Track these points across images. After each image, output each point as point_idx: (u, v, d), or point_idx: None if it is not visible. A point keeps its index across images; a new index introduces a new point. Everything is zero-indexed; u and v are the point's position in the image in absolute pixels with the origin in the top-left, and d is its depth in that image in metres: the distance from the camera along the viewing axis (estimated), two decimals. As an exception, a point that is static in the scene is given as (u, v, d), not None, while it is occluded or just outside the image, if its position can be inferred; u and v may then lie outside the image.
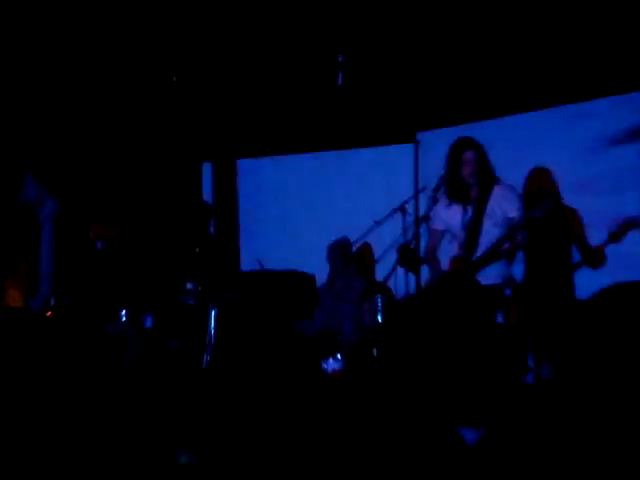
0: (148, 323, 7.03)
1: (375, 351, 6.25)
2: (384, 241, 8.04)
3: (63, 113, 8.88)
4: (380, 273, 8.10)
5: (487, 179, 5.98)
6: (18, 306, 7.36)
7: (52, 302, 6.55)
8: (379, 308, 7.02)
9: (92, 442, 3.92)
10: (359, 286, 7.60)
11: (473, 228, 5.95)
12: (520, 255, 6.60)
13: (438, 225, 6.23)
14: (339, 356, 6.12)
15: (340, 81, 8.11)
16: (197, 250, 9.11)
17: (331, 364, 5.83)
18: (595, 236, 7.05)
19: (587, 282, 6.69)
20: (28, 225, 7.97)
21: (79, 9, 7.39)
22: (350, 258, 7.83)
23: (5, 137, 8.53)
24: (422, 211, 7.37)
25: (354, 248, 7.95)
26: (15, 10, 7.11)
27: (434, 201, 6.17)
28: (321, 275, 8.07)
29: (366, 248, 8.43)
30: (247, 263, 9.60)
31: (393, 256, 7.46)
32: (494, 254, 5.80)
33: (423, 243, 7.01)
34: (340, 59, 8.11)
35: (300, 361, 5.58)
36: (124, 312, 6.81)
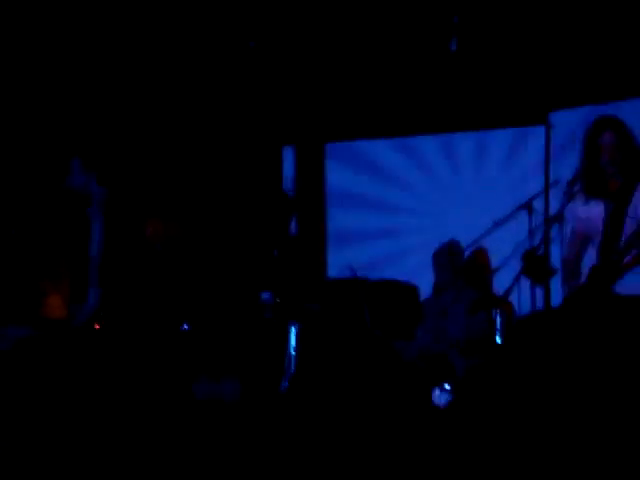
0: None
1: (491, 380, 6.16)
2: (505, 246, 7.94)
3: (118, 88, 9.05)
4: (499, 285, 7.99)
5: (631, 168, 5.86)
6: (60, 317, 7.47)
7: (100, 313, 6.63)
8: (498, 327, 6.94)
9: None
10: (470, 298, 7.53)
11: (613, 229, 5.85)
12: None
13: (579, 227, 6.13)
14: (447, 386, 6.06)
15: (454, 47, 8.08)
16: (275, 253, 9.13)
17: (438, 396, 5.78)
18: None
19: None
20: (72, 220, 8.10)
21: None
22: (460, 267, 7.77)
23: (51, 116, 8.74)
24: (554, 209, 7.26)
25: (466, 254, 7.88)
26: None
27: (570, 197, 6.07)
28: (425, 286, 8.02)
29: (481, 254, 8.33)
30: (335, 269, 9.60)
31: (516, 265, 7.35)
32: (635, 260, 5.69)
33: (554, 249, 6.91)
34: (455, 20, 8.09)
35: (402, 392, 5.54)
36: (186, 327, 6.85)
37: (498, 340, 6.95)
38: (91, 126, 8.73)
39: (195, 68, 9.17)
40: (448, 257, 7.74)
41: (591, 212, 6.00)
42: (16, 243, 7.58)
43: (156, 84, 9.21)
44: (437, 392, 5.94)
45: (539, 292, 7.28)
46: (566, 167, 6.74)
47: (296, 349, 6.62)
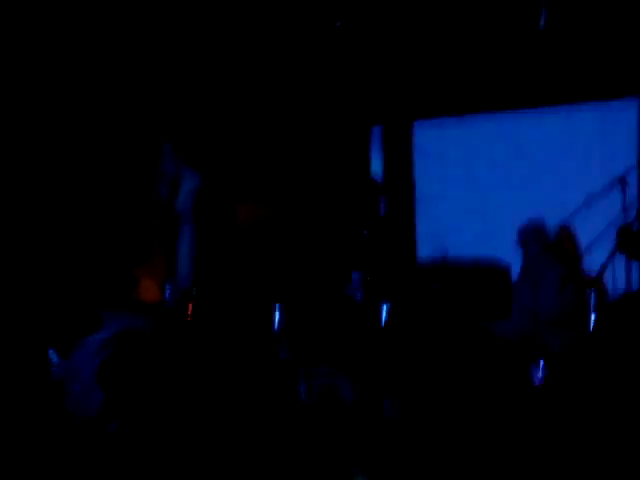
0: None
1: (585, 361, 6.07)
2: (598, 222, 7.81)
3: (208, 75, 9.11)
4: (594, 263, 7.86)
5: None
6: (154, 299, 7.54)
7: (193, 293, 6.66)
8: (592, 306, 6.82)
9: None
10: (557, 273, 7.41)
11: None
12: None
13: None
14: (542, 363, 5.97)
15: (542, 23, 7.95)
16: (365, 233, 9.10)
17: (534, 372, 5.69)
18: None
19: None
20: (164, 204, 8.16)
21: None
22: (546, 243, 7.66)
23: (142, 101, 8.83)
24: (648, 184, 7.15)
25: (554, 232, 7.77)
26: None
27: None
28: (517, 264, 7.93)
29: (567, 230, 8.20)
30: (426, 249, 9.54)
31: (610, 241, 7.24)
32: None
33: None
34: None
35: (499, 369, 5.47)
36: (277, 306, 6.85)
37: (592, 318, 6.83)
38: (183, 112, 8.80)
39: (282, 51, 9.16)
40: (533, 234, 7.63)
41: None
42: (112, 229, 7.67)
43: (244, 70, 9.23)
44: (533, 369, 5.85)
45: (635, 269, 7.16)
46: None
47: (387, 330, 6.57)
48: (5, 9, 7.92)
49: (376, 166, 9.98)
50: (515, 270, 7.96)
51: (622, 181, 7.61)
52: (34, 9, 8.09)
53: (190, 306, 6.35)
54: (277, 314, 6.52)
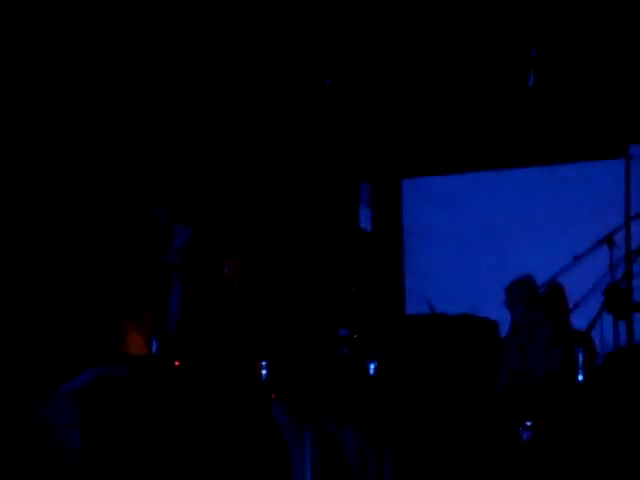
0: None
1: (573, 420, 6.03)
2: (586, 281, 7.79)
3: (194, 129, 9.13)
4: (581, 321, 7.84)
5: None
6: (141, 353, 7.48)
7: (179, 349, 6.61)
8: (580, 365, 6.78)
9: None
10: (546, 332, 7.38)
11: None
12: None
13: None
14: (529, 423, 5.92)
15: (532, 82, 8.00)
16: (353, 289, 9.07)
17: (521, 433, 5.65)
18: None
19: None
20: (153, 259, 8.13)
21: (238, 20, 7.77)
22: (535, 301, 7.62)
23: (130, 159, 8.86)
24: (636, 243, 7.14)
25: (543, 289, 7.73)
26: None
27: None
28: (505, 323, 7.89)
29: (557, 288, 8.17)
30: (413, 305, 9.51)
31: (597, 300, 7.22)
32: None
33: (637, 283, 6.78)
34: (532, 55, 8.01)
35: (491, 432, 5.44)
36: (264, 364, 6.80)
37: (580, 378, 6.79)
38: (173, 169, 8.82)
39: (273, 108, 9.20)
40: (521, 291, 7.60)
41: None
42: (99, 282, 7.61)
43: (235, 126, 9.26)
44: (520, 429, 5.81)
45: (622, 327, 7.13)
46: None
47: (374, 385, 6.52)
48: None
49: (365, 221, 9.98)
50: (503, 328, 7.92)
51: (609, 240, 7.61)
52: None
53: (177, 363, 6.29)
54: (264, 371, 6.47)
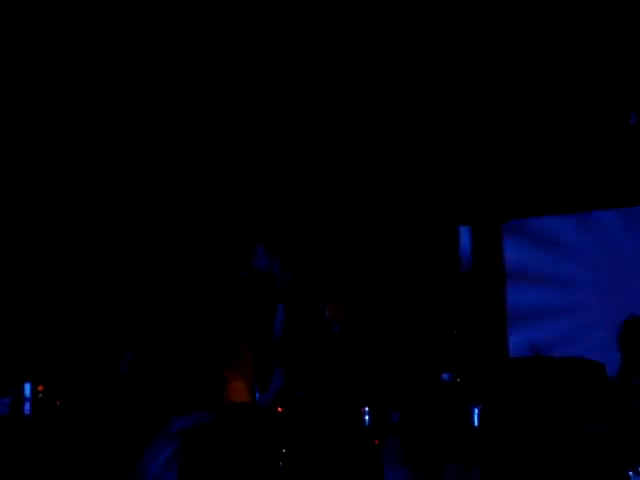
0: (394, 422, 6.93)
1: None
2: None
3: (298, 177, 9.20)
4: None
5: None
6: (244, 400, 7.46)
7: (283, 396, 6.58)
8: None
9: None
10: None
11: None
12: None
13: None
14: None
15: (634, 119, 7.85)
16: (455, 332, 8.94)
17: (634, 478, 5.45)
18: None
19: None
20: (254, 303, 8.14)
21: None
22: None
23: (237, 203, 8.95)
24: None
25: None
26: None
27: None
28: (611, 364, 7.68)
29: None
30: (517, 348, 9.34)
31: None
32: None
33: None
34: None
35: (594, 473, 5.25)
36: (367, 410, 6.73)
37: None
38: (276, 213, 8.88)
39: (372, 153, 9.20)
40: (634, 334, 7.39)
41: None
42: (200, 329, 7.65)
43: (336, 172, 9.29)
44: (631, 475, 5.61)
45: None
46: None
47: (479, 431, 6.38)
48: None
49: (466, 265, 9.87)
50: (611, 369, 7.72)
51: None
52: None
53: (280, 409, 6.26)
54: (367, 417, 6.40)
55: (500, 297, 9.77)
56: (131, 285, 8.71)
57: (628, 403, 7.17)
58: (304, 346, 6.43)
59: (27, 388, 6.58)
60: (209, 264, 8.92)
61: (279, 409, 6.39)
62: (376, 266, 9.60)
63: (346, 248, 9.49)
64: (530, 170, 9.20)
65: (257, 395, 7.05)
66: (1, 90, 7.83)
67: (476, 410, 6.60)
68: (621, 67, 7.72)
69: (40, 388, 6.90)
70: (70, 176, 8.70)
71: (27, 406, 6.44)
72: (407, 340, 8.87)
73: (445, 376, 8.08)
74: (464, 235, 9.97)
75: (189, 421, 2.42)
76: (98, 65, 7.64)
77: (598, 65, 7.74)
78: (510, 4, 7.00)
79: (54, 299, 8.64)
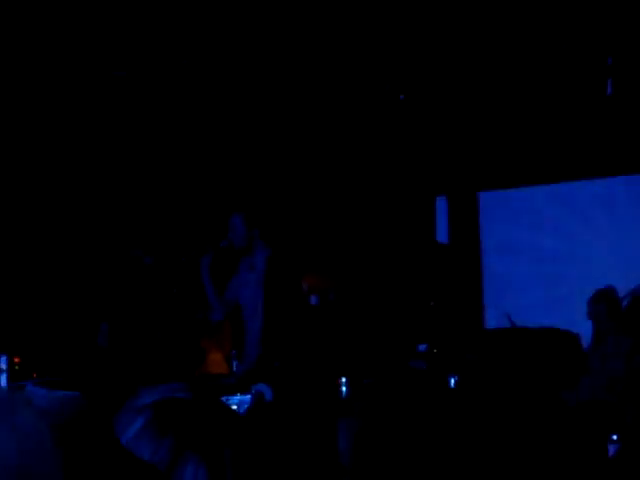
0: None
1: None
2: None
3: (278, 151, 9.21)
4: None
5: None
6: (222, 372, 7.49)
7: (261, 366, 6.60)
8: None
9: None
10: (629, 343, 7.23)
11: None
12: None
13: None
14: (615, 436, 5.79)
15: (610, 90, 7.88)
16: (431, 303, 9.00)
17: (610, 446, 5.52)
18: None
19: None
20: (232, 277, 8.15)
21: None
22: (618, 313, 7.48)
23: (214, 177, 8.96)
24: None
25: (627, 300, 7.60)
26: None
27: None
28: (586, 334, 7.76)
29: (638, 300, 8.03)
30: (493, 319, 9.41)
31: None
32: None
33: None
34: (609, 62, 7.89)
35: (575, 444, 5.32)
36: (344, 380, 6.76)
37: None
38: (253, 187, 8.90)
39: (347, 124, 9.20)
40: (603, 303, 7.46)
41: None
42: (177, 301, 7.66)
43: (311, 146, 9.30)
44: (606, 441, 5.68)
45: None
46: None
47: (455, 400, 6.45)
48: None
49: (442, 235, 9.91)
50: (585, 340, 7.80)
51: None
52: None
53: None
54: (344, 389, 6.43)
55: (476, 268, 9.83)
56: (106, 256, 8.70)
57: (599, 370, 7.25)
58: (282, 317, 6.45)
59: (3, 360, 6.57)
60: (187, 235, 8.92)
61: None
62: (354, 237, 9.63)
63: (323, 219, 9.51)
64: (505, 141, 9.24)
65: (234, 366, 7.08)
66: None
67: (452, 380, 6.65)
68: (596, 36, 7.76)
69: (16, 360, 6.89)
70: (44, 162, 8.69)
71: (3, 378, 6.43)
72: (384, 311, 8.91)
73: (421, 346, 8.14)
74: (441, 206, 10.01)
75: (158, 393, 2.46)
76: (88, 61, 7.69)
77: (573, 34, 7.78)
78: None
79: (29, 272, 8.64)
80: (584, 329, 7.75)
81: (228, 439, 2.42)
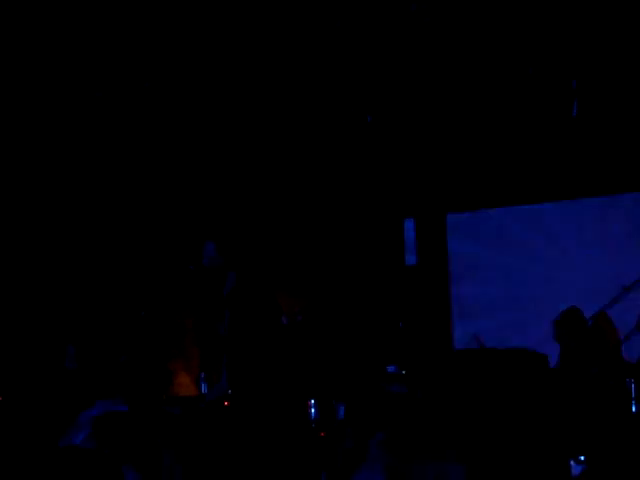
0: (340, 414, 6.99)
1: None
2: (636, 311, 7.73)
3: (245, 175, 9.27)
4: (631, 353, 7.77)
5: None
6: (190, 394, 7.52)
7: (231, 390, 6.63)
8: (633, 396, 6.72)
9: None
10: (596, 363, 7.33)
11: None
12: None
13: None
14: (582, 458, 5.86)
15: (575, 111, 7.97)
16: (400, 325, 9.04)
17: (574, 467, 5.59)
18: None
19: None
20: (201, 298, 8.18)
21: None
22: (584, 333, 7.56)
23: (185, 199, 9.00)
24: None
25: (592, 320, 7.68)
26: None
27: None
28: (555, 355, 7.84)
29: (606, 320, 8.10)
30: (461, 340, 9.47)
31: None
32: None
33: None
34: (574, 85, 7.99)
35: (541, 463, 5.39)
36: (313, 402, 6.81)
37: (634, 409, 6.73)
38: (223, 207, 8.94)
39: (315, 148, 9.26)
40: (569, 324, 7.55)
41: None
42: (146, 325, 7.68)
43: (278, 166, 9.35)
44: (572, 463, 5.75)
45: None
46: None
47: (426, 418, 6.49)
48: None
49: (411, 257, 9.95)
50: (553, 360, 7.87)
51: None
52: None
53: (226, 403, 6.32)
54: (313, 409, 6.47)
55: (444, 289, 9.87)
56: (76, 279, 8.71)
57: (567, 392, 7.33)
58: (251, 339, 6.49)
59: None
60: (155, 258, 8.95)
61: (225, 403, 6.45)
62: (323, 259, 9.66)
63: (294, 241, 9.55)
64: (474, 162, 9.29)
65: (203, 388, 7.11)
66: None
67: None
68: (561, 59, 7.87)
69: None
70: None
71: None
72: (353, 332, 8.95)
73: (391, 368, 8.18)
74: (409, 228, 10.05)
75: (97, 409, 2.55)
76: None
77: (538, 57, 7.88)
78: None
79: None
80: (552, 350, 7.83)
81: (166, 443, 2.50)
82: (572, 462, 5.87)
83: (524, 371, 7.66)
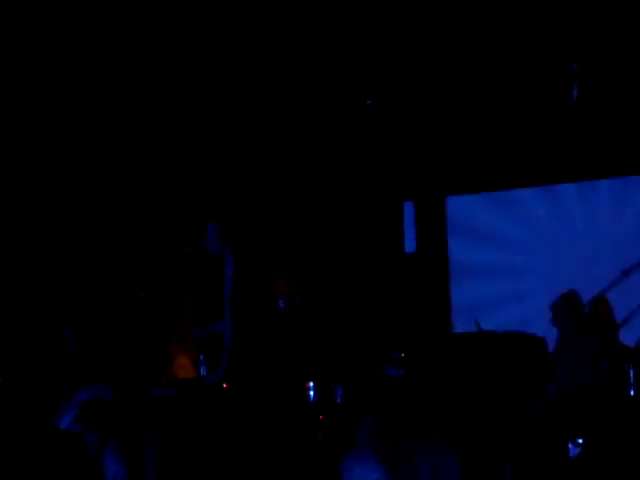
0: (339, 398, 7.00)
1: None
2: (634, 296, 7.75)
3: (248, 159, 9.28)
4: (630, 338, 7.78)
5: None
6: (189, 376, 7.54)
7: (230, 373, 6.65)
8: (631, 381, 6.74)
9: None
10: (593, 347, 7.32)
11: None
12: None
13: None
14: (580, 441, 5.89)
15: (575, 96, 7.97)
16: (399, 308, 9.06)
17: (571, 449, 5.63)
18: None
19: None
20: (199, 283, 8.20)
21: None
22: (581, 317, 7.57)
23: (188, 185, 9.02)
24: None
25: (589, 304, 7.69)
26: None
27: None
28: (552, 340, 7.85)
29: (603, 304, 8.10)
30: (460, 323, 9.48)
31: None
32: None
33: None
34: (574, 69, 7.99)
35: (540, 447, 5.42)
36: (311, 385, 6.83)
37: (632, 393, 6.75)
38: (224, 190, 8.97)
39: (316, 129, 9.26)
40: (567, 307, 7.56)
41: None
42: (145, 306, 7.70)
43: (278, 149, 9.36)
44: (570, 446, 5.79)
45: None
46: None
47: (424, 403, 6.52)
48: None
49: (409, 240, 9.96)
50: (551, 344, 7.89)
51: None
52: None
53: (225, 385, 6.35)
54: (311, 393, 6.50)
55: (444, 272, 9.89)
56: (74, 261, 8.73)
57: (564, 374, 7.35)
58: (251, 323, 6.52)
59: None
60: (154, 240, 8.96)
61: (224, 385, 6.48)
62: (321, 241, 9.68)
63: (291, 224, 9.56)
64: (473, 144, 9.30)
65: (203, 371, 7.12)
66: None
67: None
68: (561, 43, 7.87)
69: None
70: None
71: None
72: (352, 316, 8.96)
73: (396, 355, 8.17)
74: (409, 211, 10.06)
75: (91, 392, 2.58)
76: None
77: (538, 40, 7.88)
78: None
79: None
80: (550, 333, 7.85)
81: (151, 426, 2.52)
82: (570, 444, 5.91)
83: (522, 355, 7.70)
